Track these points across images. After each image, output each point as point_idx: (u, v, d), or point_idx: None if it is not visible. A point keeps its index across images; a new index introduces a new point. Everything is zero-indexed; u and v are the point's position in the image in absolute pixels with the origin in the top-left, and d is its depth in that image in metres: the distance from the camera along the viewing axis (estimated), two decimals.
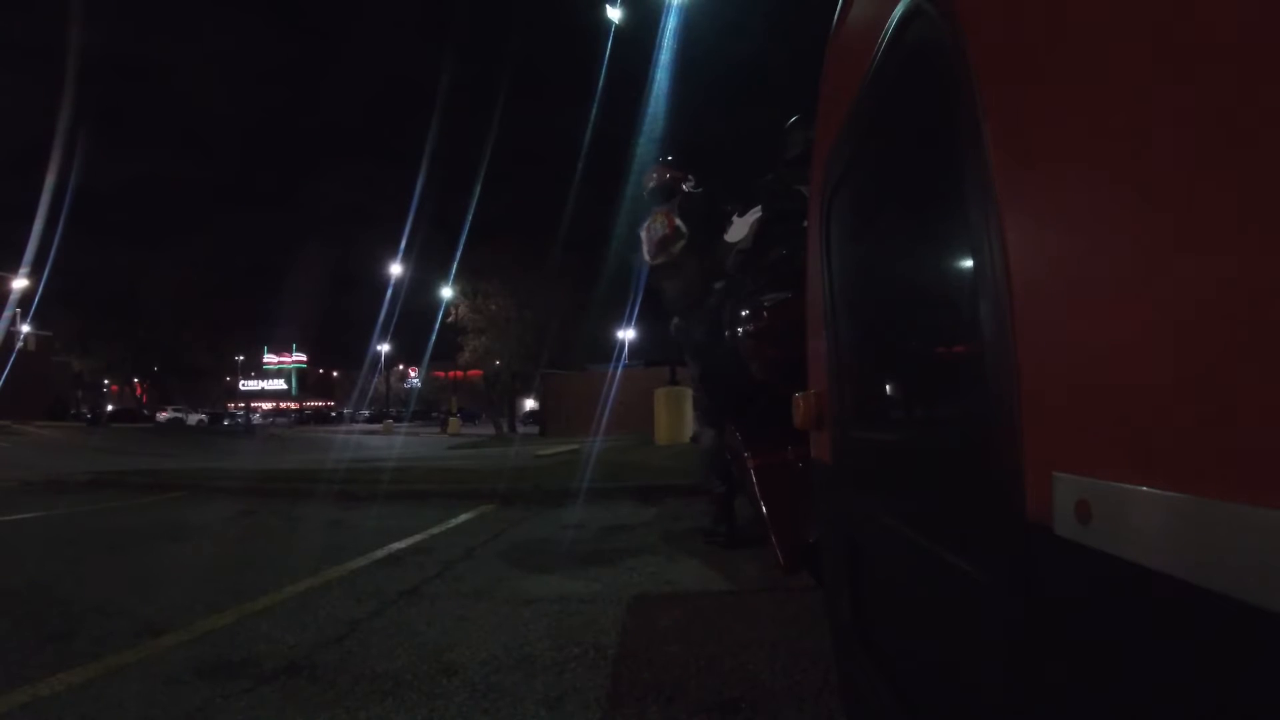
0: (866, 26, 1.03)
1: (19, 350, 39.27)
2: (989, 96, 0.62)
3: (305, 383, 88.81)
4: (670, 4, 12.94)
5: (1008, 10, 0.62)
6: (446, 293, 30.70)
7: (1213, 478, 0.39)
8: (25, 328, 41.35)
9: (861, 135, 1.11)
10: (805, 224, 3.16)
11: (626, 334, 25.56)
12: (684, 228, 3.80)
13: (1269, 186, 0.35)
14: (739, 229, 3.36)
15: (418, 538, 4.10)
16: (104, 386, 57.44)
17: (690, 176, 3.94)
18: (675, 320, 3.93)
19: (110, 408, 51.04)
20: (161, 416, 42.46)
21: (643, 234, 3.98)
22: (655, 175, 4.00)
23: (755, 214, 3.28)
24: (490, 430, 31.76)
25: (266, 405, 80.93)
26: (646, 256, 3.96)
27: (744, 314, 2.96)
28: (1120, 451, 0.47)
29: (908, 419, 1.12)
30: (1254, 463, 0.36)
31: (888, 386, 1.17)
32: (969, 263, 0.67)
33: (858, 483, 1.21)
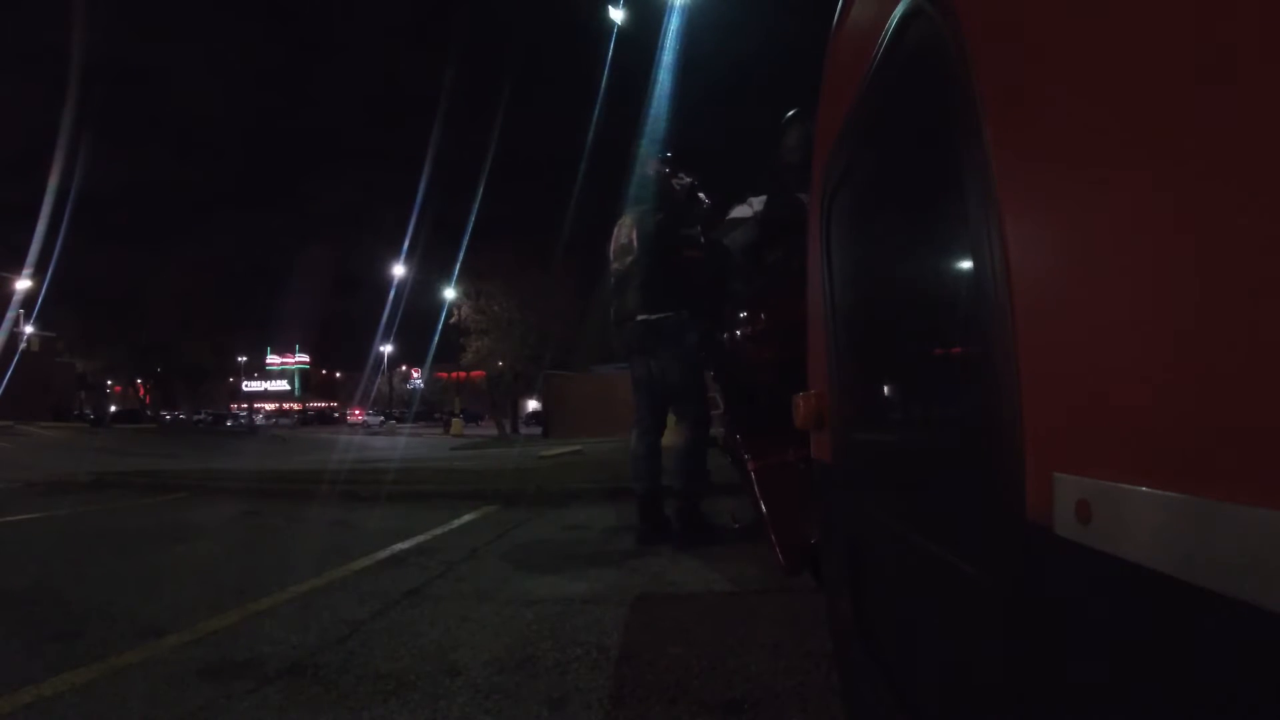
0: (866, 27, 1.03)
1: (23, 351, 39.38)
2: (989, 96, 0.62)
3: (308, 383, 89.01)
4: (672, 5, 12.97)
5: (1008, 10, 0.62)
6: (449, 294, 30.75)
7: (1213, 478, 0.39)
8: (29, 329, 41.48)
9: (861, 136, 1.11)
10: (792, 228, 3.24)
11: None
12: (636, 245, 3.84)
13: (1270, 186, 0.35)
14: (743, 210, 3.40)
15: (421, 538, 4.11)
16: (107, 387, 57.64)
17: (684, 176, 3.93)
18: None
19: (113, 408, 51.25)
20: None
21: (615, 230, 4.03)
22: (653, 167, 3.99)
23: (761, 200, 3.32)
24: (493, 431, 31.78)
25: (269, 406, 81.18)
26: (610, 254, 4.02)
27: (741, 316, 2.96)
28: (1121, 451, 0.47)
29: (908, 419, 1.12)
30: (1254, 463, 0.36)
31: (888, 386, 1.17)
32: (969, 262, 0.67)
33: (858, 483, 1.21)
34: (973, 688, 0.73)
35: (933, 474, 0.92)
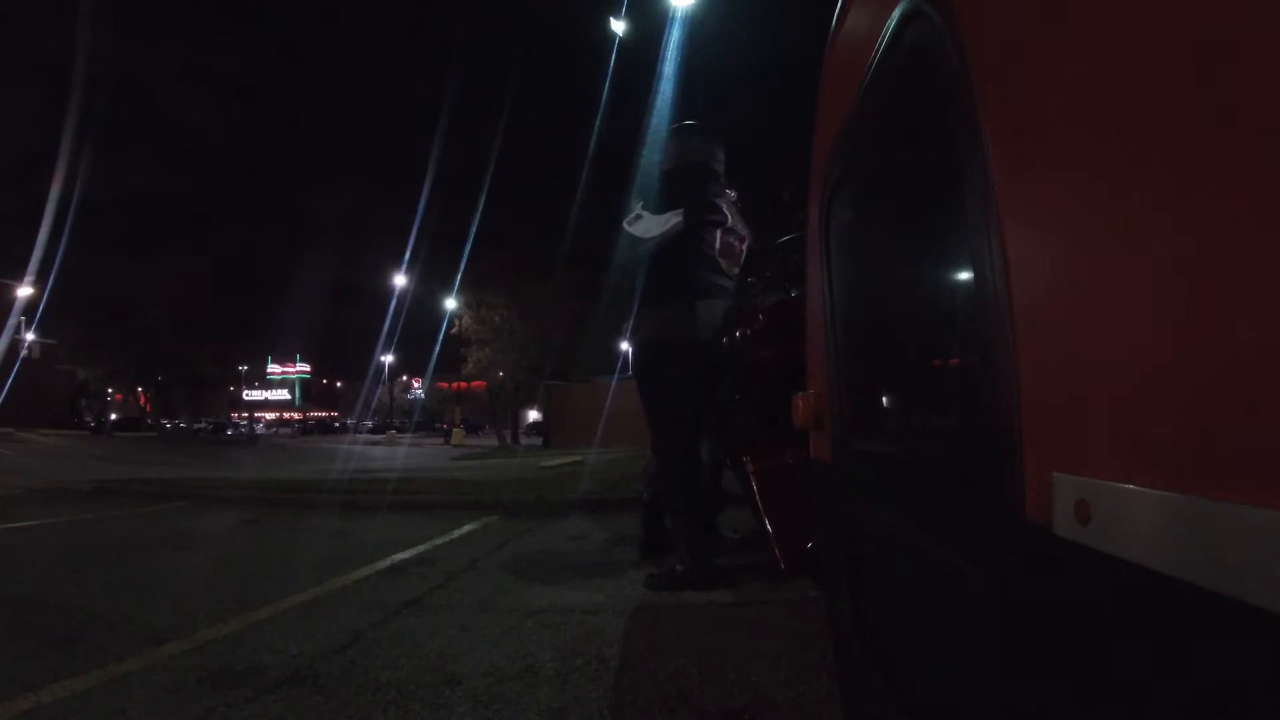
0: (866, 27, 1.03)
1: (23, 358, 39.44)
2: (989, 97, 0.62)
3: (309, 393, 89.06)
4: (673, 16, 13.05)
5: (1008, 11, 0.62)
6: (450, 304, 30.81)
7: (1212, 478, 0.39)
8: (30, 336, 41.57)
9: (860, 136, 1.11)
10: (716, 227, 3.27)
11: (630, 345, 25.54)
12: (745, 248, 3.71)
13: (1270, 188, 0.35)
14: (648, 225, 3.32)
15: (421, 548, 4.10)
16: (108, 395, 57.63)
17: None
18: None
19: (114, 416, 51.26)
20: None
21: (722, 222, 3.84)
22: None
23: (675, 217, 3.25)
24: (494, 441, 31.75)
25: (270, 415, 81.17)
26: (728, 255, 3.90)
27: (740, 316, 2.97)
28: (1120, 451, 0.47)
29: (907, 419, 1.12)
30: (1254, 463, 0.36)
31: (887, 387, 1.17)
32: (969, 263, 0.67)
33: (857, 483, 1.20)
34: (972, 689, 0.73)
35: (932, 474, 0.92)
